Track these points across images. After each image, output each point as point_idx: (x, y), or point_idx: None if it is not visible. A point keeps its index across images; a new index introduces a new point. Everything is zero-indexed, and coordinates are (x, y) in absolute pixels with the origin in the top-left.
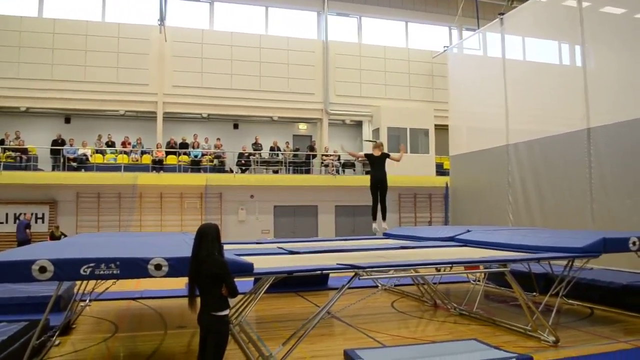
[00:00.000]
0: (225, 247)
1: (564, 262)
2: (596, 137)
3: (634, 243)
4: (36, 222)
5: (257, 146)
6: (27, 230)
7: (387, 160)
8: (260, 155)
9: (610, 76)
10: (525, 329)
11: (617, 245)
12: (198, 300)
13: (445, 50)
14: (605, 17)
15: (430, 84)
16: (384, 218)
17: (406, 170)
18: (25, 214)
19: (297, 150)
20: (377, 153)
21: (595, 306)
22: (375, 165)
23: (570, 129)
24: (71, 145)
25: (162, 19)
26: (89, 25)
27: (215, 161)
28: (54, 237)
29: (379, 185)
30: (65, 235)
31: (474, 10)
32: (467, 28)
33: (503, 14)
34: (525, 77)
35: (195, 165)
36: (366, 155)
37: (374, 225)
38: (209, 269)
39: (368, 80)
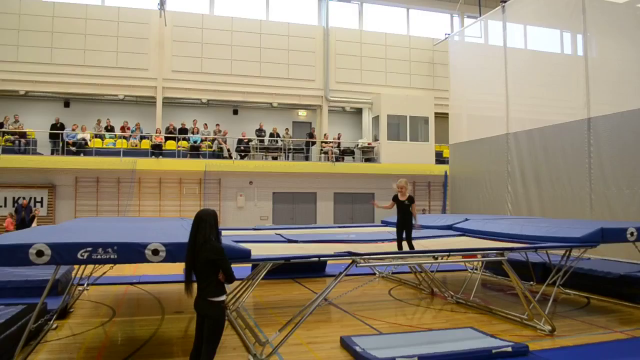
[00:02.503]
0: (224, 233)
1: (562, 252)
2: (596, 126)
3: (631, 234)
4: (35, 205)
5: (260, 132)
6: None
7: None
8: (261, 142)
9: (612, 66)
10: (522, 317)
11: (614, 235)
12: (195, 285)
13: (446, 38)
14: (608, 7)
15: (431, 71)
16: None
17: (405, 159)
18: (24, 198)
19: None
20: (401, 197)
21: (592, 296)
22: (400, 210)
23: (570, 119)
24: (73, 130)
25: (162, 3)
26: (89, 9)
27: (215, 147)
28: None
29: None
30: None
31: None
32: (468, 15)
33: (505, 1)
34: (526, 66)
35: (194, 151)
36: (394, 200)
37: None
38: (206, 254)
39: (368, 67)
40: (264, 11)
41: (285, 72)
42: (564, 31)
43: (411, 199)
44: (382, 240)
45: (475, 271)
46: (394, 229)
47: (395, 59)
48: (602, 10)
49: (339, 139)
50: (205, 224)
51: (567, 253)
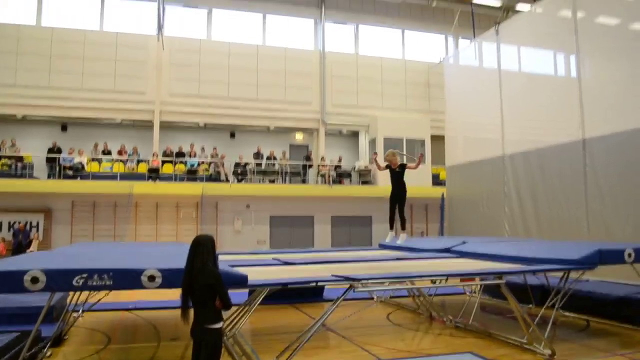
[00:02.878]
0: (220, 257)
1: (560, 274)
2: (592, 147)
3: (629, 255)
4: (30, 230)
5: (257, 156)
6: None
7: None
8: (259, 165)
9: (606, 87)
10: (521, 342)
11: (612, 257)
12: (191, 312)
13: (441, 61)
14: (600, 28)
15: (427, 94)
16: (403, 228)
17: None
18: (20, 222)
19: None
20: (393, 167)
21: (592, 318)
22: (394, 179)
23: (565, 140)
24: (70, 154)
25: (160, 27)
26: (87, 34)
27: (212, 170)
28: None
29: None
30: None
31: (470, 21)
32: (463, 37)
33: (499, 23)
34: (520, 88)
35: (191, 175)
36: (387, 167)
37: (390, 234)
38: (203, 280)
39: (365, 90)
40: (261, 35)
41: (282, 96)
42: (558, 52)
43: (403, 166)
44: (380, 260)
45: (473, 294)
46: (393, 252)
47: (391, 81)
48: (595, 31)
49: (339, 161)
50: (203, 249)
51: (566, 275)
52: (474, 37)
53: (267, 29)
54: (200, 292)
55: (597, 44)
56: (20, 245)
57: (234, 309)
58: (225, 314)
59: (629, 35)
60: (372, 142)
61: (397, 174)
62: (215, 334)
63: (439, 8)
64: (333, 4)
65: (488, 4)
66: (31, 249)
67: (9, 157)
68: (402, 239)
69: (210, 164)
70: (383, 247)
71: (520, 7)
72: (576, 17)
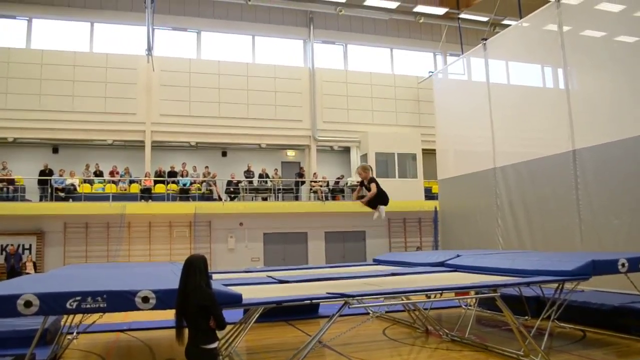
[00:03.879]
0: (214, 276)
1: (555, 285)
2: (582, 158)
3: (622, 265)
4: (23, 252)
5: (249, 173)
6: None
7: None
8: (250, 183)
9: (593, 98)
10: (518, 354)
11: (606, 267)
12: (186, 332)
13: (430, 76)
14: (586, 41)
15: (417, 109)
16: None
17: (395, 195)
18: (11, 245)
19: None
20: (365, 179)
21: (588, 329)
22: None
23: (555, 151)
24: (61, 175)
25: (149, 48)
26: (77, 56)
27: (204, 189)
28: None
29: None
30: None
31: (458, 36)
32: (451, 54)
33: (486, 39)
34: (509, 101)
35: (183, 194)
36: (361, 186)
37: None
38: (196, 301)
39: (355, 106)
40: (251, 54)
41: (273, 114)
42: (545, 65)
43: (371, 180)
44: (375, 276)
45: (469, 308)
46: (387, 267)
47: (381, 97)
48: (581, 44)
49: (340, 178)
50: (195, 269)
51: (560, 286)
52: (462, 52)
53: (256, 49)
54: (194, 312)
55: (585, 56)
56: (13, 268)
57: (229, 327)
58: (220, 333)
59: (615, 47)
60: (364, 158)
61: (369, 189)
62: (210, 354)
63: (427, 24)
64: (321, 24)
65: (475, 19)
66: (27, 271)
67: (0, 180)
68: (381, 213)
69: (202, 182)
70: (377, 262)
71: (507, 21)
72: (562, 30)
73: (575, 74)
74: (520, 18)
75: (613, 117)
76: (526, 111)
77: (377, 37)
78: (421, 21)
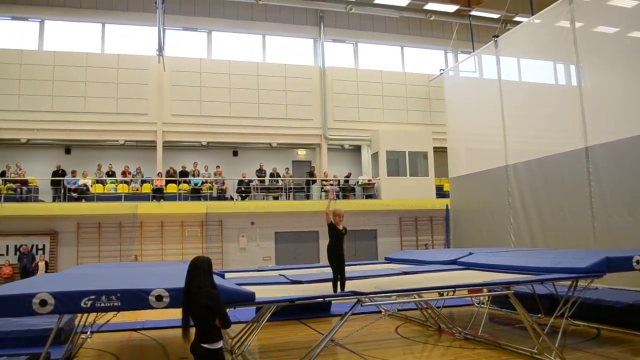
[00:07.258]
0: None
1: (568, 283)
2: (594, 155)
3: (637, 262)
4: (37, 253)
5: (260, 173)
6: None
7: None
8: (262, 182)
9: (606, 95)
10: (532, 352)
11: (620, 264)
12: (192, 330)
13: (441, 74)
14: (599, 37)
15: (428, 106)
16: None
17: (406, 194)
18: (25, 245)
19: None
20: (340, 227)
21: (602, 326)
22: (337, 239)
23: (568, 148)
24: (73, 176)
25: (160, 49)
26: (89, 57)
27: (215, 191)
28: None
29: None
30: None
31: (469, 34)
32: (462, 51)
33: (497, 36)
34: (521, 98)
35: (195, 194)
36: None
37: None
38: (201, 301)
39: (366, 104)
40: (261, 53)
41: (284, 113)
42: (557, 62)
43: (346, 230)
44: (387, 274)
45: (482, 305)
46: (399, 266)
47: (392, 95)
48: (593, 40)
49: (348, 176)
50: (199, 270)
51: (574, 284)
52: (473, 49)
53: (267, 48)
54: (199, 312)
55: (597, 52)
56: (25, 268)
57: (241, 325)
58: (233, 331)
59: (628, 43)
60: (375, 156)
61: (342, 236)
62: (216, 353)
63: (437, 22)
64: (331, 23)
65: (486, 16)
66: (39, 270)
67: (14, 181)
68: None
69: (214, 182)
70: (389, 260)
71: (518, 18)
72: (574, 26)
73: (588, 70)
74: (532, 15)
75: (626, 114)
76: (538, 108)
77: (387, 35)
78: (432, 19)
